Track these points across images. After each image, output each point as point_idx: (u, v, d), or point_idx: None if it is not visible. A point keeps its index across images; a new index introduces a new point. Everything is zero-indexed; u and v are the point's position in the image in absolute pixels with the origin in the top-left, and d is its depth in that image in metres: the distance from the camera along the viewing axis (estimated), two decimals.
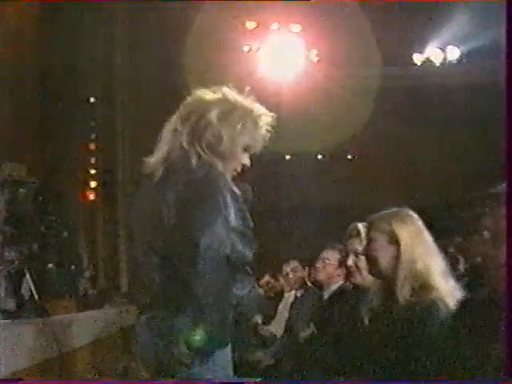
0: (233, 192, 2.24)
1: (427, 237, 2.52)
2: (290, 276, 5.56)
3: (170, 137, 2.35)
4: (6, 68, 6.94)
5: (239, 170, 2.38)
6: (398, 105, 10.91)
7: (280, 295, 6.22)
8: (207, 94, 2.35)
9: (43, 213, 7.09)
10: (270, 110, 2.48)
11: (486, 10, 8.86)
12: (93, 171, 9.43)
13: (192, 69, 9.40)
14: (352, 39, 10.21)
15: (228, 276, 2.18)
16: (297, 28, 11.12)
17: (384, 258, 2.51)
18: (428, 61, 10.49)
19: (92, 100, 9.49)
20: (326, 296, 4.23)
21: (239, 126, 2.32)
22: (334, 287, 4.16)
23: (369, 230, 2.64)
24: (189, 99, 2.37)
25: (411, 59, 10.66)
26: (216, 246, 2.11)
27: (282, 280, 6.25)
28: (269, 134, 2.39)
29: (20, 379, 3.18)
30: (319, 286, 4.73)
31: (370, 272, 2.63)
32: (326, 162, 13.37)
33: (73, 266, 7.15)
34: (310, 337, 4.15)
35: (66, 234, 7.41)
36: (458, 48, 10.20)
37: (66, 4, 8.33)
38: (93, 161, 9.45)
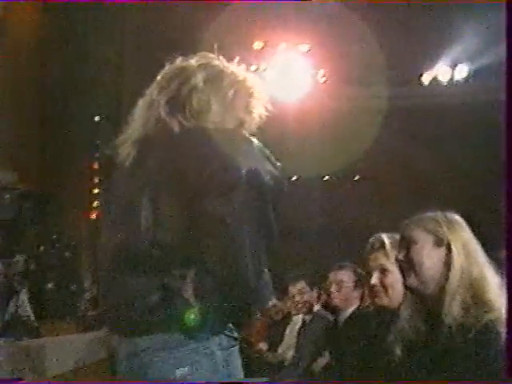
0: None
1: (477, 245, 2.08)
2: (297, 298, 5.14)
3: (144, 111, 1.91)
4: (8, 82, 6.91)
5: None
6: (405, 125, 10.81)
7: (287, 319, 5.90)
8: (190, 60, 1.96)
9: (45, 231, 7.01)
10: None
11: (491, 28, 8.81)
12: (96, 191, 9.35)
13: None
14: (360, 59, 10.16)
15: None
16: (304, 48, 11.08)
17: (431, 262, 2.01)
18: (435, 80, 10.41)
19: (97, 119, 9.44)
20: (340, 321, 3.92)
21: (230, 94, 1.90)
22: (350, 311, 3.87)
23: (407, 230, 2.12)
24: (168, 67, 1.97)
25: (419, 79, 10.58)
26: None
27: (288, 303, 5.81)
28: (266, 114, 1.98)
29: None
30: (331, 310, 4.46)
31: (407, 284, 2.08)
32: (332, 182, 13.28)
33: (73, 287, 7.03)
34: (324, 367, 3.87)
35: (67, 254, 7.30)
36: (466, 66, 10.13)
37: (72, 18, 8.32)
38: (96, 180, 9.37)
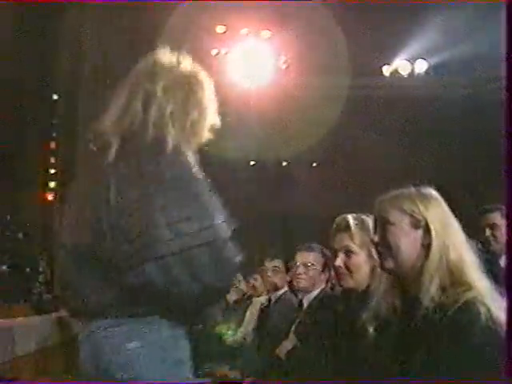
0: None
1: (455, 222, 1.96)
2: (269, 274, 4.73)
3: (121, 110, 1.97)
4: None
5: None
6: (365, 114, 10.93)
7: (247, 301, 5.77)
8: (161, 59, 2.08)
9: None
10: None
11: (455, 25, 8.95)
12: (52, 171, 9.18)
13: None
14: (322, 48, 10.19)
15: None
16: (266, 34, 11.05)
17: (407, 244, 1.92)
18: (396, 72, 10.54)
19: (55, 97, 9.25)
20: (305, 303, 3.78)
21: (206, 96, 2.05)
22: (315, 293, 3.75)
23: (382, 211, 2.00)
24: (142, 64, 2.11)
25: (380, 70, 10.69)
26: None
27: (254, 283, 5.72)
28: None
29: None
30: (296, 292, 4.30)
31: (383, 267, 2.00)
32: (290, 168, 13.36)
33: (27, 269, 6.92)
34: (291, 350, 3.53)
35: (21, 236, 7.17)
36: (426, 61, 10.29)
37: None
38: (52, 160, 9.20)
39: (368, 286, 2.50)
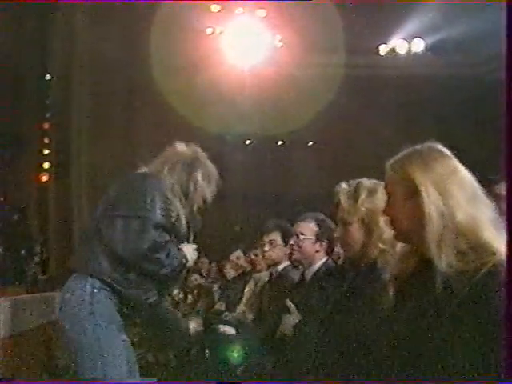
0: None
1: (465, 177, 1.78)
2: (266, 249, 4.53)
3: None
4: None
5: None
6: (360, 93, 10.86)
7: (246, 277, 5.62)
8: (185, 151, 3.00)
9: None
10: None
11: (451, 4, 8.88)
12: (46, 151, 9.10)
13: (154, 50, 9.17)
14: (317, 26, 10.10)
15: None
16: (261, 13, 10.95)
17: (405, 216, 1.79)
18: (393, 51, 10.48)
19: (48, 77, 9.15)
20: (307, 277, 3.59)
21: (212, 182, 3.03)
22: (317, 266, 3.54)
23: (385, 180, 1.90)
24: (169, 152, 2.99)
25: (377, 49, 10.62)
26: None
27: (253, 258, 5.45)
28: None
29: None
30: (296, 266, 4.15)
31: (394, 235, 1.88)
32: (285, 147, 13.31)
33: (23, 251, 6.89)
34: (294, 327, 3.35)
35: (16, 217, 7.12)
36: (423, 40, 10.22)
37: None
38: (46, 141, 9.12)
39: (378, 256, 2.43)
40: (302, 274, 3.71)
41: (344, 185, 2.59)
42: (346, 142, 12.08)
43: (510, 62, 1.61)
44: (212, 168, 3.01)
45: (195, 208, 2.95)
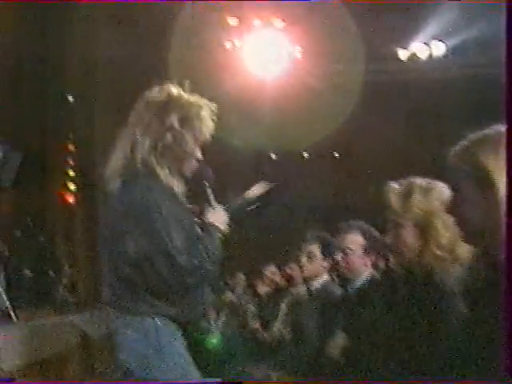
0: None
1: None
2: (304, 261, 4.24)
3: (126, 147, 2.43)
4: None
5: (195, 164, 2.54)
6: (384, 100, 10.77)
7: (282, 292, 5.38)
8: (156, 97, 2.52)
9: (19, 215, 6.87)
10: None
11: (471, 6, 8.77)
12: (72, 173, 9.14)
13: (174, 67, 9.20)
14: (336, 35, 10.06)
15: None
16: (280, 24, 10.95)
17: (477, 214, 1.56)
18: (414, 56, 10.37)
19: (70, 99, 9.21)
20: (352, 291, 3.34)
21: (198, 126, 2.48)
22: (362, 279, 3.30)
23: (451, 176, 1.70)
24: (139, 104, 2.54)
25: (396, 54, 10.53)
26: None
27: (289, 271, 5.32)
28: (213, 124, 2.54)
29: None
30: (339, 282, 3.98)
31: (466, 240, 1.67)
32: (312, 160, 13.23)
33: (51, 273, 6.90)
34: (342, 349, 3.09)
35: (42, 238, 7.15)
36: (444, 43, 10.10)
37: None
38: (72, 162, 9.16)
39: (433, 266, 2.12)
40: (346, 289, 3.49)
41: (394, 184, 2.30)
42: (370, 150, 11.96)
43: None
44: (195, 108, 2.48)
45: (190, 162, 2.49)
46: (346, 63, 10.40)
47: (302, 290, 4.67)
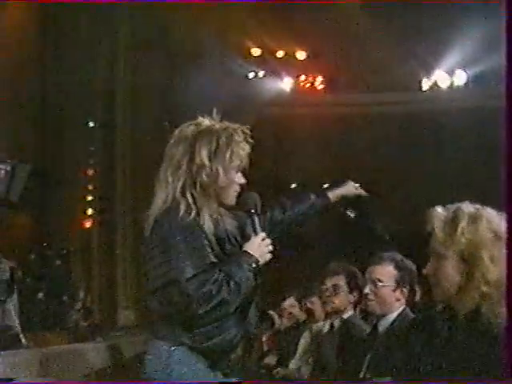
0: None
1: None
2: (328, 294, 3.98)
3: (162, 191, 2.40)
4: (5, 85, 6.79)
5: (238, 190, 2.43)
6: (405, 131, 10.68)
7: (301, 327, 4.98)
8: (187, 131, 2.40)
9: (36, 238, 6.85)
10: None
11: (489, 33, 8.70)
12: (90, 198, 9.15)
13: (195, 95, 9.23)
14: (358, 66, 10.06)
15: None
16: (302, 55, 11.00)
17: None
18: (435, 85, 10.31)
19: (91, 124, 9.27)
20: (380, 329, 3.04)
21: (228, 155, 2.38)
22: (393, 315, 3.02)
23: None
24: (170, 142, 2.41)
25: (419, 84, 10.47)
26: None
27: (310, 305, 4.81)
28: (250, 146, 2.41)
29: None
30: (366, 317, 3.72)
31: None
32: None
33: (65, 297, 6.84)
34: None
35: (58, 262, 7.12)
36: (465, 72, 10.02)
37: (68, 23, 8.24)
38: (90, 187, 9.18)
39: (478, 304, 1.91)
40: (375, 325, 3.15)
41: (440, 209, 2.05)
42: (393, 182, 11.83)
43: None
44: (226, 133, 2.38)
45: (231, 191, 2.41)
46: (369, 93, 10.39)
47: (322, 325, 4.34)
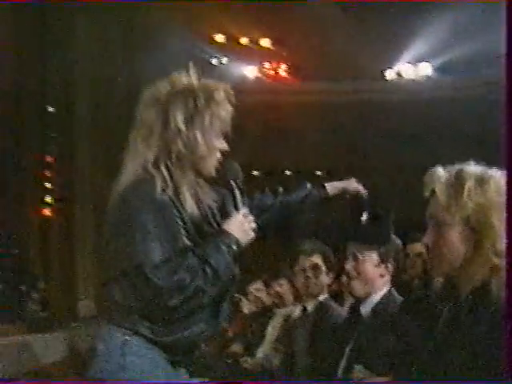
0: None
1: None
2: (308, 275, 3.60)
3: (132, 162, 2.09)
4: None
5: (219, 158, 2.12)
6: (368, 119, 10.75)
7: (268, 312, 4.66)
8: (160, 91, 2.07)
9: None
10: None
11: (457, 24, 8.80)
12: (48, 185, 8.95)
13: (156, 81, 9.11)
14: (323, 53, 10.07)
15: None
16: (266, 42, 10.97)
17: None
18: (399, 75, 10.41)
19: (51, 110, 9.06)
20: (365, 311, 2.72)
21: (208, 119, 2.07)
22: (377, 297, 2.71)
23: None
24: (141, 104, 2.10)
25: (383, 74, 10.55)
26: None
27: (279, 288, 4.50)
28: (231, 107, 2.12)
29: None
30: (341, 300, 3.47)
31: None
32: (294, 177, 13.17)
33: (23, 287, 6.71)
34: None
35: (16, 251, 6.98)
36: (430, 63, 10.13)
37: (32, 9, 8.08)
38: (49, 174, 8.98)
39: (488, 279, 1.61)
40: (354, 309, 2.83)
41: (441, 171, 1.76)
42: (355, 170, 11.90)
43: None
44: (206, 93, 2.08)
45: (212, 159, 2.09)
46: (331, 81, 10.42)
47: (293, 309, 4.01)
